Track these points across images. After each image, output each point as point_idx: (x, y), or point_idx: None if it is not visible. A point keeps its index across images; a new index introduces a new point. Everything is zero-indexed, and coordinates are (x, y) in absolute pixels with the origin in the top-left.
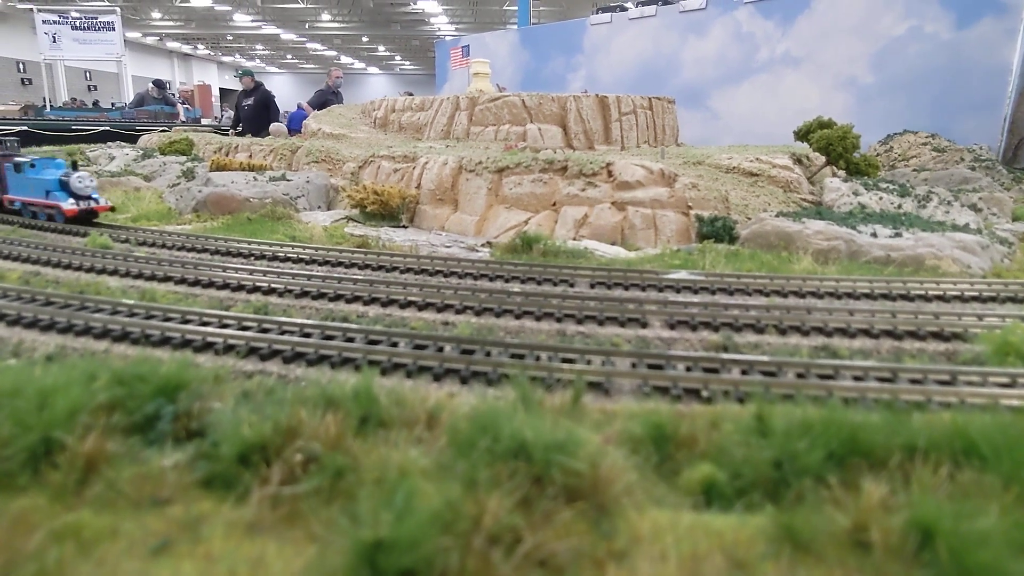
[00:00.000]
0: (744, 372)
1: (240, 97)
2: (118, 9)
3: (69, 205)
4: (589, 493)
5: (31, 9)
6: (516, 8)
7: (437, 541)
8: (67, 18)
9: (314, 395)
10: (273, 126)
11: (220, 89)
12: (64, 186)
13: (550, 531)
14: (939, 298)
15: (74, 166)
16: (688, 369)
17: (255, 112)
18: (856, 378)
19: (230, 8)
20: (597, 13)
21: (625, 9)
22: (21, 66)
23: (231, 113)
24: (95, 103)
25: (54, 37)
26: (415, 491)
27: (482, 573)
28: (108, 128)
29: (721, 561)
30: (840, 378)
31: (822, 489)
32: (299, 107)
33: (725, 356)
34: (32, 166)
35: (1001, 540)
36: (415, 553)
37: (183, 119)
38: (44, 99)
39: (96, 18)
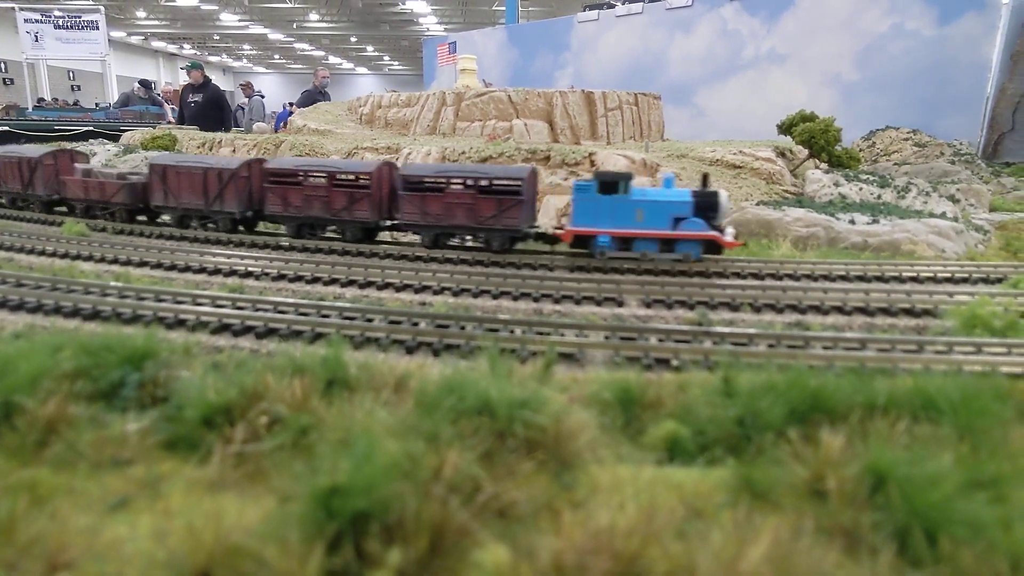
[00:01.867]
0: (715, 343)
1: (186, 92)
2: (102, 8)
3: (731, 236)
4: (552, 447)
5: (13, 8)
6: (505, 8)
7: (394, 487)
8: (50, 17)
9: (283, 363)
10: (257, 125)
11: None
12: (704, 209)
13: (511, 483)
14: (912, 279)
15: (704, 180)
16: (660, 340)
17: (204, 110)
18: (825, 347)
19: (216, 7)
20: (585, 11)
21: (612, 6)
22: (3, 66)
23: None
24: (76, 103)
25: (36, 36)
26: (376, 444)
27: (439, 518)
28: (92, 128)
29: (680, 510)
30: (810, 348)
31: (783, 443)
32: (285, 107)
33: (698, 328)
34: (626, 189)
35: (950, 481)
36: (369, 497)
37: (170, 120)
38: (39, 99)
39: (80, 17)
